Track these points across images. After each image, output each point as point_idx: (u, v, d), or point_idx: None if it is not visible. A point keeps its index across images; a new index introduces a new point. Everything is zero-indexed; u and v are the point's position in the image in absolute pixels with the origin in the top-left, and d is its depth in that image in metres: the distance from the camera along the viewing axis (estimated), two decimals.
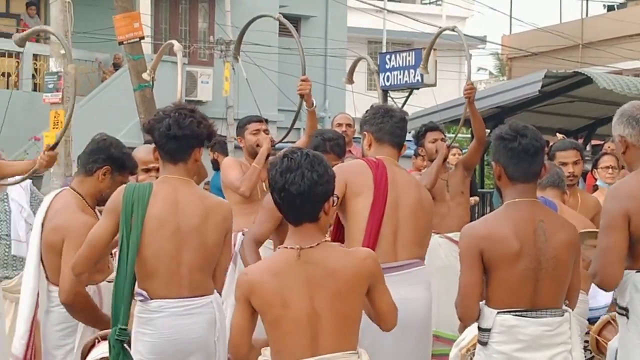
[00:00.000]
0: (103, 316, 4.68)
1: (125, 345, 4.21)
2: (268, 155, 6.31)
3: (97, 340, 4.50)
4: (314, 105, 6.50)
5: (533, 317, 3.90)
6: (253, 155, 6.38)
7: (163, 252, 4.19)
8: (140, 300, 4.22)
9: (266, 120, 6.67)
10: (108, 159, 4.92)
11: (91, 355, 4.43)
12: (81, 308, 4.62)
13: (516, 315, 3.90)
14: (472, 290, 3.95)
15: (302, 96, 6.44)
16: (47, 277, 4.93)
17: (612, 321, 4.84)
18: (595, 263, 4.08)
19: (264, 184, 6.28)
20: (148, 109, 13.47)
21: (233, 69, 21.39)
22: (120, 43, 12.82)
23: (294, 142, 6.90)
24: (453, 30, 8.01)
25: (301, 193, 3.45)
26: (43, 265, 4.94)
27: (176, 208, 4.23)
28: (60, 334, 4.86)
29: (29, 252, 5.02)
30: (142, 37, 12.97)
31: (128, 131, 18.42)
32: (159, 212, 4.20)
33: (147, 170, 5.89)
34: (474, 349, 4.76)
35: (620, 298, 4.24)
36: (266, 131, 6.48)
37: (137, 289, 4.24)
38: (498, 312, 3.92)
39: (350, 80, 9.39)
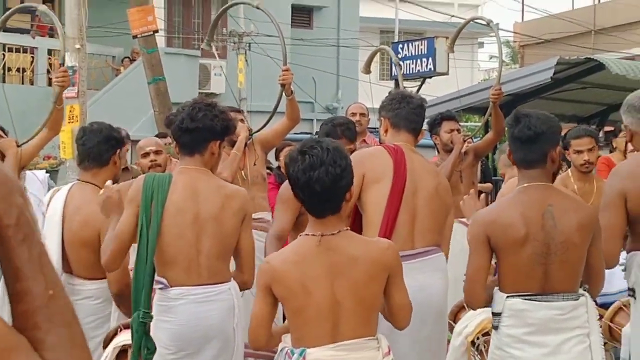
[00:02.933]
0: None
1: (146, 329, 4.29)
2: (246, 144, 6.49)
3: (119, 329, 4.57)
4: (293, 93, 6.60)
5: (543, 301, 3.91)
6: (230, 143, 6.41)
7: (182, 240, 4.28)
8: (160, 289, 4.31)
9: (241, 111, 6.81)
10: (117, 142, 5.10)
11: (113, 343, 4.51)
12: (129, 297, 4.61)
13: (525, 299, 3.92)
14: (478, 275, 4.00)
15: (282, 85, 6.53)
16: (69, 271, 4.97)
17: (624, 307, 4.85)
18: None
19: (242, 172, 6.47)
20: (162, 102, 13.59)
21: (246, 61, 21.45)
22: (135, 37, 12.93)
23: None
24: (488, 24, 8.08)
25: (326, 189, 3.46)
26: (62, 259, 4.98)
27: (195, 196, 4.33)
28: (90, 325, 4.88)
29: (50, 247, 4.98)
30: (156, 31, 13.08)
31: (142, 124, 18.55)
32: (179, 200, 4.30)
33: (146, 155, 6.64)
34: (483, 337, 4.81)
35: (627, 279, 4.31)
36: (242, 120, 6.56)
37: (157, 277, 4.32)
38: (507, 296, 3.95)
39: (367, 70, 9.43)
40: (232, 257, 4.48)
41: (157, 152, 6.60)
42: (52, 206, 5.14)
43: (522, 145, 4.00)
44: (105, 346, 4.57)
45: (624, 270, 4.38)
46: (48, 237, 5.04)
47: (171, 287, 4.28)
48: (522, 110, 4.11)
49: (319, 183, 3.45)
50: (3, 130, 6.33)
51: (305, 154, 3.50)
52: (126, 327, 4.53)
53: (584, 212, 4.01)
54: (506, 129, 4.13)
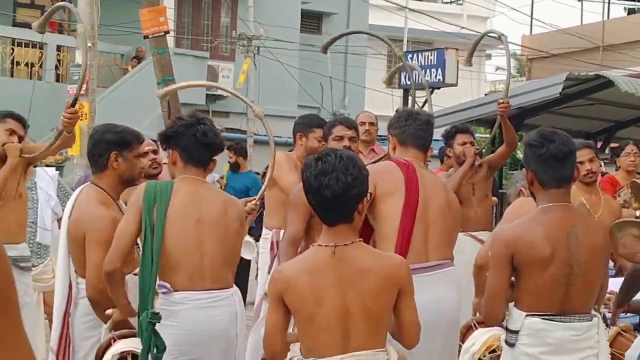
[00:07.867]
0: (126, 305, 4.63)
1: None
2: None
3: (112, 340, 4.48)
4: None
5: (561, 322, 3.91)
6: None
7: (187, 243, 4.29)
8: (163, 293, 4.30)
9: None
10: (109, 145, 4.89)
11: (111, 351, 4.41)
12: (105, 305, 4.58)
13: (545, 318, 3.91)
14: (499, 293, 3.97)
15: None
16: (75, 270, 4.97)
17: (623, 332, 4.79)
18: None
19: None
20: (171, 102, 13.57)
21: (254, 64, 21.44)
22: (146, 37, 12.91)
23: None
24: (499, 38, 8.09)
25: (336, 196, 3.46)
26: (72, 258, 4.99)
27: (198, 200, 4.36)
28: (86, 325, 4.86)
29: (60, 245, 5.04)
30: (167, 32, 13.06)
31: (150, 123, 18.54)
32: (182, 204, 4.33)
33: (145, 154, 5.94)
34: (489, 354, 4.79)
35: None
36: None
37: (159, 282, 4.32)
38: (527, 315, 3.93)
39: (390, 82, 9.48)
40: None
41: (155, 152, 6.25)
42: (67, 204, 5.15)
43: (555, 164, 3.97)
44: (98, 358, 4.46)
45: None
46: (60, 236, 5.09)
47: (174, 291, 4.29)
48: (544, 129, 4.09)
49: (329, 189, 3.46)
50: (24, 126, 6.04)
51: (319, 160, 3.53)
52: (120, 337, 4.48)
53: (603, 233, 4.06)
54: (529, 149, 4.05)
